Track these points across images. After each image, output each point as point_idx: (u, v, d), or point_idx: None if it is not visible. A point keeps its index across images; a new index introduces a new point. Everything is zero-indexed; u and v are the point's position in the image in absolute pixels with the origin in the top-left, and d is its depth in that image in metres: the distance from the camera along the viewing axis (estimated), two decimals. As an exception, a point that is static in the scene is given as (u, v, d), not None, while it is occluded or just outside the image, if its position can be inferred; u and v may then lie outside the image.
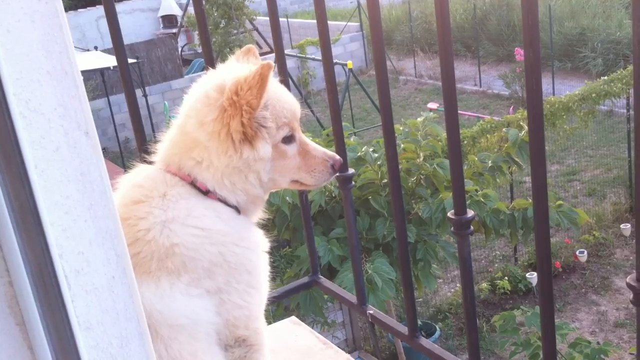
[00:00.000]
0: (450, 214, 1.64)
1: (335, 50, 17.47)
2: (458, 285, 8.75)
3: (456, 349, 7.84)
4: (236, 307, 1.36)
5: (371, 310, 2.20)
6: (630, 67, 10.16)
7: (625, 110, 11.09)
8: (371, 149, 5.44)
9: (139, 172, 1.42)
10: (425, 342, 1.97)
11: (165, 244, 1.28)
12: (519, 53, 13.95)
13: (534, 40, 1.29)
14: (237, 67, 1.45)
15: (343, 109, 12.89)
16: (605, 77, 10.54)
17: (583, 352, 4.83)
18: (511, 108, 13.65)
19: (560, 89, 14.28)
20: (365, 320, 7.21)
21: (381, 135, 1.92)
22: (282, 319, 2.44)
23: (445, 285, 9.16)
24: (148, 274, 1.27)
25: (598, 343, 5.09)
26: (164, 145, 1.45)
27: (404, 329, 2.05)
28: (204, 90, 1.39)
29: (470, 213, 1.63)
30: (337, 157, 1.51)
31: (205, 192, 1.37)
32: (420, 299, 8.47)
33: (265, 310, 1.46)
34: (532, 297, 8.57)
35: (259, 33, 17.72)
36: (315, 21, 1.95)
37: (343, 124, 2.21)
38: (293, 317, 2.42)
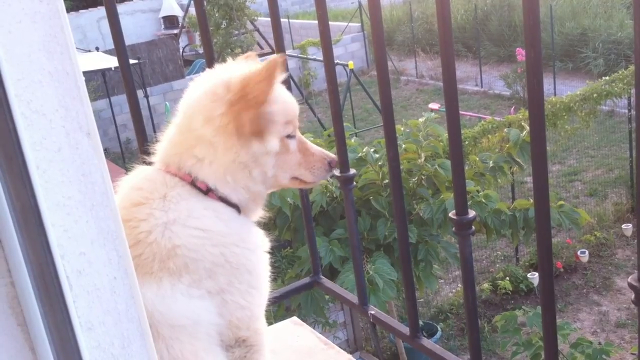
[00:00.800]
0: (451, 214, 1.64)
1: (337, 50, 17.47)
2: (459, 285, 8.74)
3: (457, 350, 7.84)
4: (238, 307, 1.36)
5: (372, 310, 2.20)
6: (632, 67, 10.14)
7: (626, 111, 11.08)
8: (372, 150, 5.44)
9: (139, 174, 1.41)
10: (427, 342, 1.97)
11: (167, 246, 1.28)
12: (520, 53, 13.94)
13: (536, 40, 1.28)
14: (238, 66, 1.45)
15: (344, 110, 12.89)
16: (607, 77, 10.53)
17: (585, 352, 4.82)
18: (512, 108, 13.64)
19: (562, 89, 14.27)
20: (366, 321, 7.22)
21: (382, 135, 1.92)
22: (284, 319, 2.44)
23: (446, 286, 9.16)
24: (150, 274, 1.27)
25: (600, 343, 5.09)
26: (163, 145, 1.44)
27: (405, 330, 2.05)
28: (208, 87, 1.38)
29: (472, 213, 1.63)
30: (334, 155, 1.52)
31: (206, 192, 1.37)
32: (421, 300, 8.46)
33: (266, 311, 1.46)
34: (534, 297, 8.57)
35: (260, 34, 17.73)
36: (316, 22, 1.95)
37: (344, 124, 2.21)
38: (294, 318, 2.42)
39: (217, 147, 1.35)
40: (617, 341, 7.53)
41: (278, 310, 5.32)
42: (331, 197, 5.39)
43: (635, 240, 1.30)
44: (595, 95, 9.98)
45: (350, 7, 23.56)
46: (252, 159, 1.36)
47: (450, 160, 1.63)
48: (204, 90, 1.39)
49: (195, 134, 1.36)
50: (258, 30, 17.73)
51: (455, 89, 1.56)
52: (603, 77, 10.79)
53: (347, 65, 13.49)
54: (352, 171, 2.11)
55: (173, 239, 1.29)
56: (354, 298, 2.30)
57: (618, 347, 5.65)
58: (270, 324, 1.55)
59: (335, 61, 2.28)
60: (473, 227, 1.66)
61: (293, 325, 2.35)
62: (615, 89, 10.11)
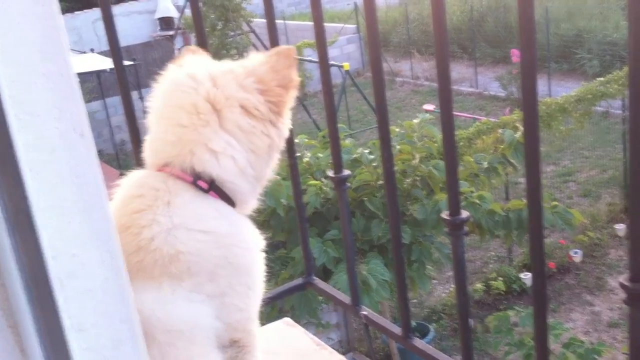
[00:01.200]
0: (444, 214, 1.64)
1: (332, 52, 17.48)
2: (452, 286, 8.75)
3: (450, 350, 7.85)
4: (237, 310, 1.34)
5: (365, 311, 2.20)
6: (627, 69, 10.17)
7: (621, 112, 11.13)
8: (367, 151, 5.44)
9: (137, 179, 1.37)
10: (419, 342, 1.97)
11: (170, 252, 1.25)
12: (515, 54, 13.97)
13: (531, 41, 1.29)
14: (204, 60, 1.45)
15: (339, 111, 12.88)
16: (602, 79, 10.55)
17: (576, 352, 4.84)
18: (507, 109, 13.67)
19: (557, 90, 14.31)
20: (359, 322, 7.22)
21: (377, 136, 1.92)
22: (276, 320, 2.43)
23: (440, 286, 9.17)
24: (151, 279, 1.24)
25: (592, 343, 5.11)
26: (156, 146, 1.38)
27: (397, 330, 2.04)
28: (218, 79, 1.35)
29: (465, 214, 1.63)
30: None
31: (207, 190, 1.34)
32: (414, 300, 8.48)
33: (259, 312, 1.46)
34: (527, 297, 8.59)
35: (256, 35, 17.69)
36: (312, 23, 1.95)
37: (339, 125, 2.21)
38: (287, 319, 2.41)
39: (253, 136, 1.35)
40: (609, 341, 7.56)
41: (271, 311, 5.32)
42: (325, 198, 5.39)
43: (628, 241, 1.29)
44: (589, 96, 10.01)
45: (346, 8, 23.57)
46: (278, 142, 1.42)
47: (444, 161, 1.63)
48: (212, 82, 1.34)
49: (214, 127, 1.32)
50: (254, 32, 17.69)
51: (449, 90, 1.55)
52: (598, 78, 10.81)
53: (342, 66, 13.49)
54: (347, 172, 2.11)
55: (177, 245, 1.26)
56: (346, 299, 2.30)
57: (610, 347, 5.68)
58: (262, 325, 1.55)
59: (331, 62, 2.28)
60: (466, 228, 1.66)
61: (285, 326, 2.35)
62: (610, 90, 10.14)
